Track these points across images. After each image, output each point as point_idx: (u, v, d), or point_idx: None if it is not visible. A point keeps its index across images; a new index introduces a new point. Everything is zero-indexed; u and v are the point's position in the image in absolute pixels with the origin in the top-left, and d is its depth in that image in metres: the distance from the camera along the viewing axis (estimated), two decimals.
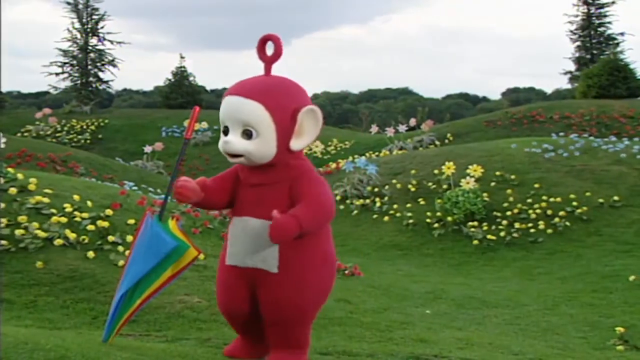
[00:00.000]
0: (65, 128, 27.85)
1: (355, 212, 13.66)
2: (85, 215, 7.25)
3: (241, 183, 3.71)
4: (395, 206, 13.45)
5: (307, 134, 3.61)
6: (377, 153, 21.70)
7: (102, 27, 35.27)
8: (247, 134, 3.51)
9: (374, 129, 23.24)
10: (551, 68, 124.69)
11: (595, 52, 35.72)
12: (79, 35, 35.19)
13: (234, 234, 3.68)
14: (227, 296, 3.77)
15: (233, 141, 3.53)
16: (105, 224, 7.12)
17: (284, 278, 3.58)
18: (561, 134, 19.39)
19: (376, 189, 14.31)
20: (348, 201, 14.09)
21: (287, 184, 3.59)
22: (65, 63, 34.95)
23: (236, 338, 3.98)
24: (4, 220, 6.77)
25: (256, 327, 3.79)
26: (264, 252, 3.58)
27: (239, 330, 3.91)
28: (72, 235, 6.73)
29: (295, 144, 3.58)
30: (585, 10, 36.15)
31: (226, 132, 3.59)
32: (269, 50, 3.69)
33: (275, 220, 3.39)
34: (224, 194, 3.75)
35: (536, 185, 13.31)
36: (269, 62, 3.69)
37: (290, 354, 3.72)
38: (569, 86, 38.38)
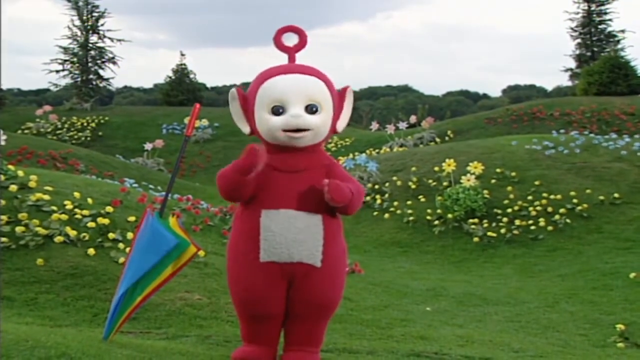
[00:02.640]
0: (66, 125, 27.85)
1: None
2: (85, 212, 7.25)
3: (268, 172, 3.56)
4: (395, 203, 13.45)
5: (345, 115, 3.77)
6: (377, 150, 21.69)
7: (102, 25, 35.25)
8: (311, 110, 3.55)
9: (375, 126, 23.27)
10: (552, 65, 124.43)
11: (595, 49, 35.67)
12: (79, 33, 35.17)
13: (269, 228, 3.50)
14: (263, 295, 3.56)
15: (304, 115, 3.52)
16: (106, 221, 7.12)
17: (325, 272, 3.55)
18: (562, 131, 19.40)
19: (376, 186, 14.31)
20: None
21: (323, 169, 3.61)
22: (65, 60, 34.90)
23: (244, 345, 3.75)
24: (5, 218, 6.77)
25: (278, 328, 3.69)
26: (311, 245, 3.52)
27: (262, 332, 3.66)
28: (72, 233, 6.73)
29: (340, 125, 3.73)
30: (586, 8, 36.08)
31: (277, 112, 3.53)
32: (289, 41, 3.74)
33: (331, 182, 3.43)
34: (252, 184, 3.57)
35: (537, 183, 13.31)
36: (293, 51, 3.74)
37: (310, 352, 3.68)
38: (569, 83, 38.40)
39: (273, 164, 3.58)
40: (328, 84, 3.64)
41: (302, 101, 3.53)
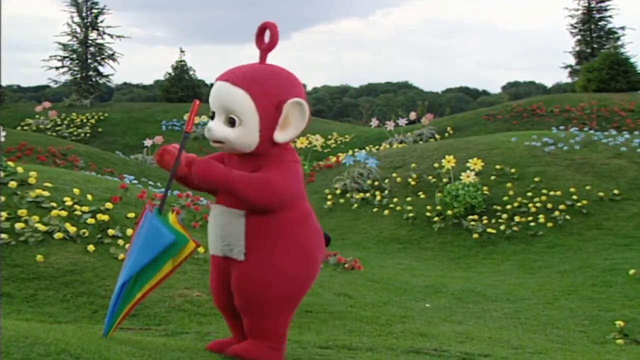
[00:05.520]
0: (65, 122, 27.83)
1: (355, 205, 13.66)
2: (85, 208, 7.25)
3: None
4: (395, 200, 13.44)
5: (292, 127, 3.54)
6: (377, 147, 21.68)
7: (101, 21, 35.24)
8: (231, 121, 3.50)
9: (374, 122, 23.21)
10: (551, 62, 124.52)
11: (595, 45, 35.66)
12: (78, 29, 35.17)
13: (210, 223, 3.75)
14: (213, 288, 3.82)
15: (215, 128, 3.54)
16: (105, 217, 7.12)
17: (250, 265, 3.57)
18: (561, 127, 19.37)
19: (376, 183, 14.31)
20: (348, 195, 14.09)
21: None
22: (65, 57, 34.91)
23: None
24: (4, 214, 6.77)
25: (236, 321, 3.77)
26: (230, 239, 3.60)
27: (228, 324, 3.86)
28: (72, 229, 6.73)
29: (280, 135, 3.52)
30: (586, 4, 36.07)
31: (213, 118, 3.59)
32: (267, 38, 3.67)
33: (202, 158, 3.53)
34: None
35: (536, 179, 13.31)
36: (264, 50, 3.65)
37: (255, 344, 3.64)
38: (569, 80, 38.35)
39: (231, 165, 3.64)
40: (255, 94, 3.46)
41: (222, 112, 3.53)
